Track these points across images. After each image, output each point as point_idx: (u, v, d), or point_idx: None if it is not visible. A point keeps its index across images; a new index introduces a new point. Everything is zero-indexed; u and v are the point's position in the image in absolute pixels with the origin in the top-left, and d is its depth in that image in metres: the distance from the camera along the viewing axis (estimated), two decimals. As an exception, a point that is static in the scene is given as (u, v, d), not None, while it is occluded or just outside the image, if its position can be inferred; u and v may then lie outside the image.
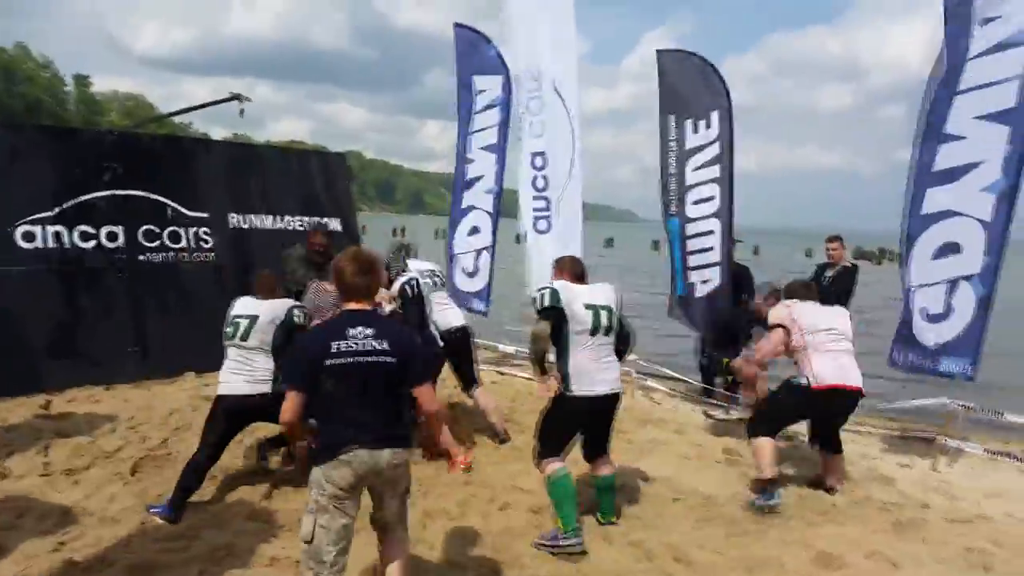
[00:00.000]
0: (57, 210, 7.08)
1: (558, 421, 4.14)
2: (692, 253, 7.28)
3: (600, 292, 4.17)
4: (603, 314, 4.06)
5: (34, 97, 57.58)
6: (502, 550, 3.93)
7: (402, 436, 3.07)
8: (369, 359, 2.91)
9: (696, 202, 7.23)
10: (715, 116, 7.06)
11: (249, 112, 19.82)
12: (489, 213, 8.45)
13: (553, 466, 4.05)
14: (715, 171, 7.09)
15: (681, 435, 6.29)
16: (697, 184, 7.20)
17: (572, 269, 4.27)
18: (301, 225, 8.86)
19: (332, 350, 2.89)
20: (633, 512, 4.55)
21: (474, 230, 8.55)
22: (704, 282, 7.21)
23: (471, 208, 8.55)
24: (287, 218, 8.80)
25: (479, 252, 8.51)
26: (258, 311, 4.53)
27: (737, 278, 7.25)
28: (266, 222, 8.63)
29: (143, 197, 7.63)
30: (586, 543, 4.00)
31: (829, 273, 7.22)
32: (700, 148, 7.17)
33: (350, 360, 2.89)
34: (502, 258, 8.81)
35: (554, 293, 4.01)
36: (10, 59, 58.35)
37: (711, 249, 7.14)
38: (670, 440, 6.11)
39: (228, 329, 4.52)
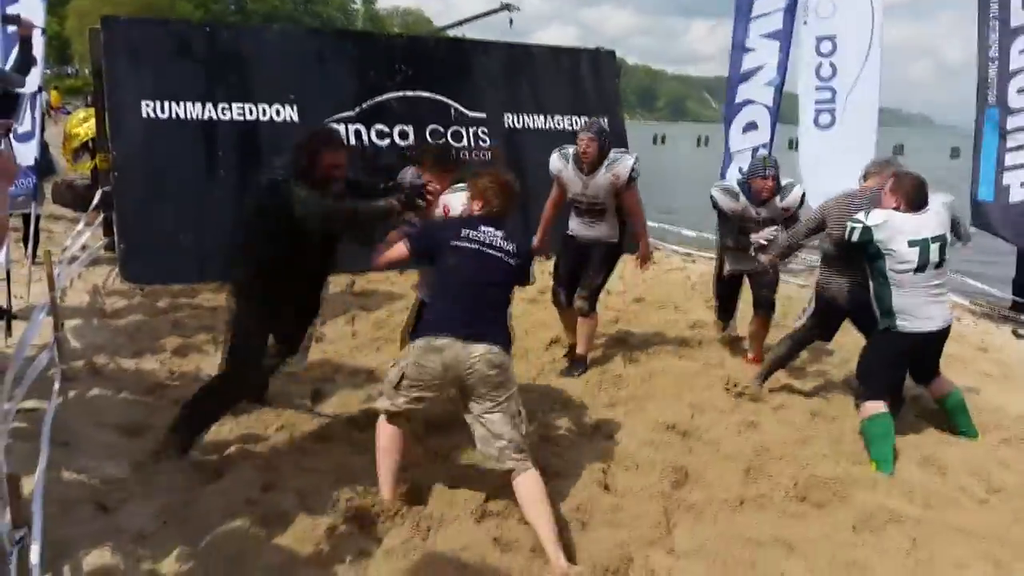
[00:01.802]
0: (357, 110, 7.80)
1: None
2: (1013, 150, 6.33)
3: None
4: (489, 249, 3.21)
5: (327, 15, 63.59)
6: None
7: (501, 337, 3.05)
8: (492, 252, 3.07)
9: (1022, 90, 6.25)
10: None
11: (517, 22, 20.27)
12: (768, 107, 7.82)
13: None
14: None
15: (984, 352, 5.60)
16: None
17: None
18: (570, 124, 8.96)
19: (461, 234, 3.09)
20: (923, 426, 4.17)
21: (750, 126, 7.98)
22: (1025, 184, 6.25)
23: (747, 103, 7.95)
24: (557, 117, 8.95)
25: (755, 149, 8.01)
26: None
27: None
28: (537, 121, 8.84)
29: (429, 98, 8.15)
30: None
31: None
32: None
33: (475, 247, 3.06)
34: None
35: None
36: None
37: (1040, 144, 6.16)
38: (971, 356, 5.47)
39: None
